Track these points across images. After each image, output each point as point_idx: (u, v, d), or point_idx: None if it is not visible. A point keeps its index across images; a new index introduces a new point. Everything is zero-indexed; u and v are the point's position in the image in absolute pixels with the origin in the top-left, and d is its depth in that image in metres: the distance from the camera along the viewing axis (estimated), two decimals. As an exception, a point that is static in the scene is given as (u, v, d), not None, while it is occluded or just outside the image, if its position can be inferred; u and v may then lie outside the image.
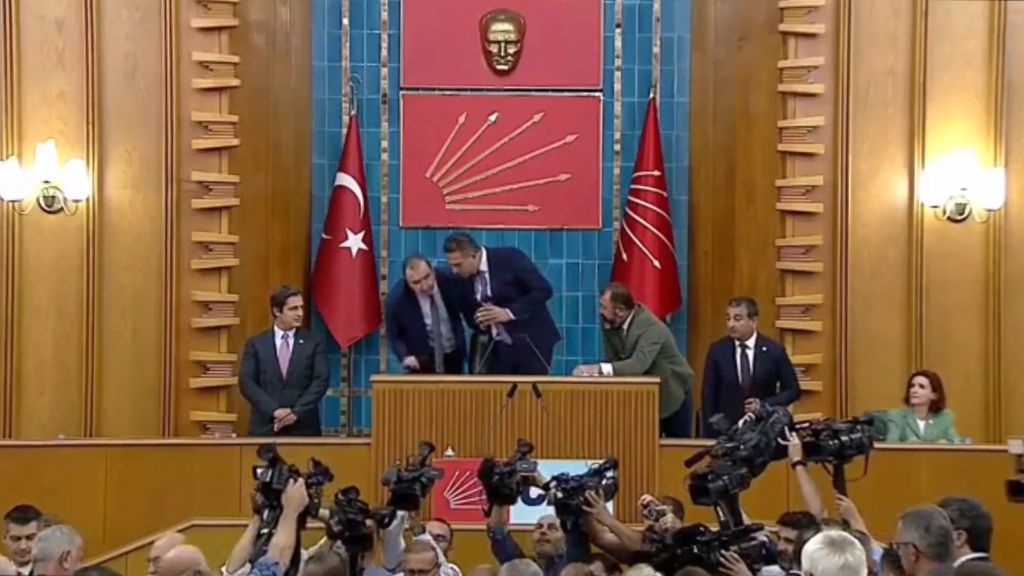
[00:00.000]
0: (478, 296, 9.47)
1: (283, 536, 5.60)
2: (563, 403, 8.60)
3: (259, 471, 5.83)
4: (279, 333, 9.27)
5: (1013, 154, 9.83)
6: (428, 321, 9.57)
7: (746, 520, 5.79)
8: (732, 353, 9.25)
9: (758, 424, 6.08)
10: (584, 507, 6.52)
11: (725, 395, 9.16)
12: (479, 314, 9.34)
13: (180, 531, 7.67)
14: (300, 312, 9.33)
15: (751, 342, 9.23)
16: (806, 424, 6.29)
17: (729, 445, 5.90)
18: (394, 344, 9.75)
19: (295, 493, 5.70)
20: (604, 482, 6.64)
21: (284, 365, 9.20)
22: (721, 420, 6.15)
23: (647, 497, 6.99)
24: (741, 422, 6.20)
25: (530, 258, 10.11)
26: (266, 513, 5.81)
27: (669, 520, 6.54)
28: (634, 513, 7.29)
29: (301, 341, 9.28)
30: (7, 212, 9.56)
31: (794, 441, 6.17)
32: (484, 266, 9.46)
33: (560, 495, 6.54)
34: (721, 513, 5.65)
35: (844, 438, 6.12)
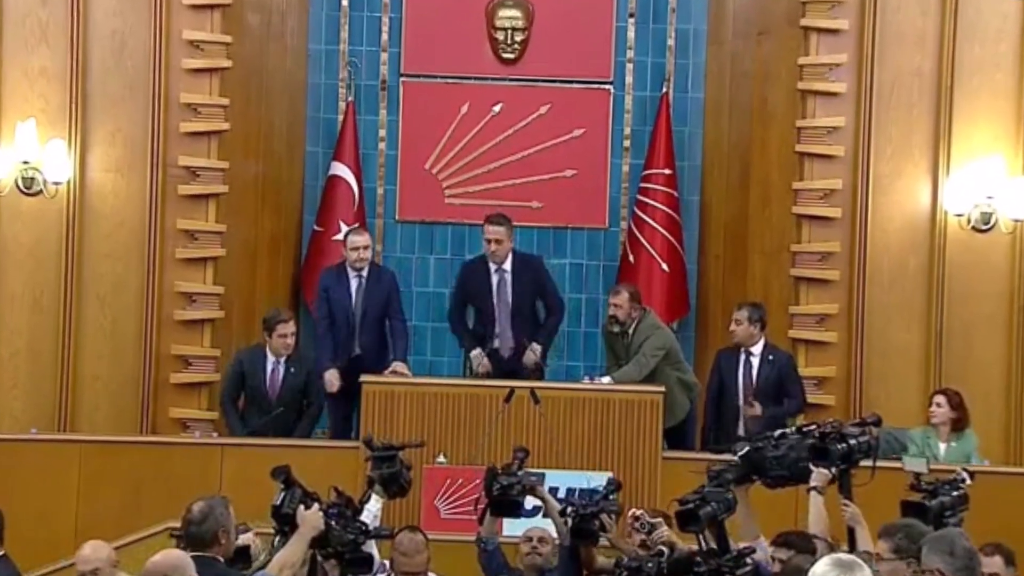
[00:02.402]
0: (494, 292, 9.37)
1: (289, 552, 5.52)
2: (562, 410, 8.59)
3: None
4: (270, 358, 9.13)
5: (1043, 162, 9.84)
6: (353, 302, 9.33)
7: (732, 544, 5.80)
8: (736, 361, 9.26)
9: (801, 438, 6.06)
10: (601, 532, 6.57)
11: (726, 403, 9.18)
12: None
13: (156, 534, 7.67)
14: (290, 340, 9.09)
15: (756, 350, 9.22)
16: (813, 427, 6.27)
17: (764, 442, 5.90)
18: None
19: (312, 515, 5.63)
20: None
21: (272, 392, 9.08)
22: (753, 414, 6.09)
23: (637, 511, 7.01)
24: (778, 433, 6.17)
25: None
26: (276, 540, 5.74)
27: (665, 532, 6.56)
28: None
29: (292, 370, 9.11)
30: (-17, 193, 9.57)
31: (822, 470, 6.15)
32: (508, 265, 9.39)
33: (577, 520, 6.55)
34: (704, 542, 5.65)
35: (852, 442, 6.11)
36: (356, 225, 9.92)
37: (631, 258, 10.46)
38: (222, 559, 5.52)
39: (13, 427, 9.38)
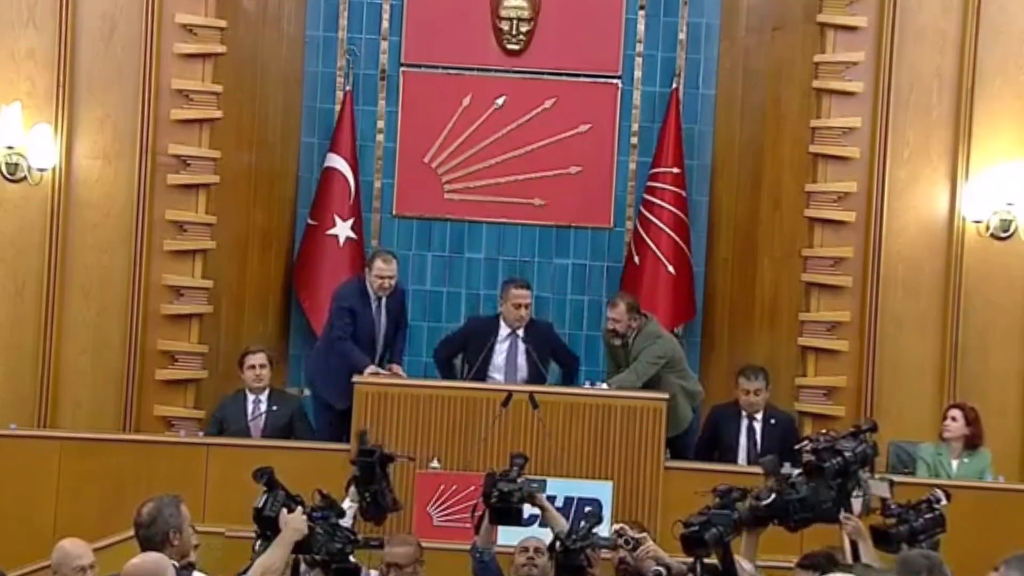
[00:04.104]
0: (499, 358, 9.37)
1: (271, 557, 5.53)
2: (561, 416, 8.60)
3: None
4: (251, 398, 9.14)
5: (1066, 168, 9.84)
6: (375, 323, 9.35)
7: (739, 564, 5.81)
8: (737, 422, 9.26)
9: (821, 477, 6.02)
10: (587, 567, 6.59)
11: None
12: None
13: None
14: (260, 372, 9.09)
15: (759, 414, 9.26)
16: (805, 442, 6.27)
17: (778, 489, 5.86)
18: (350, 347, 9.16)
19: (295, 519, 5.62)
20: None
21: (256, 434, 9.06)
22: (771, 460, 6.09)
23: (617, 525, 7.01)
24: (796, 472, 6.16)
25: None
26: (258, 544, 5.73)
27: (652, 547, 6.57)
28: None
29: (275, 407, 9.11)
30: (-35, 178, 9.57)
31: (849, 519, 6.11)
32: (521, 330, 9.43)
33: (563, 555, 6.55)
34: (701, 565, 5.67)
35: (848, 454, 6.10)
36: (384, 249, 9.79)
37: (636, 259, 10.46)
38: (176, 561, 5.53)
39: (-9, 422, 9.40)
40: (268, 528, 5.64)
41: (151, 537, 5.57)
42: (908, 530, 5.99)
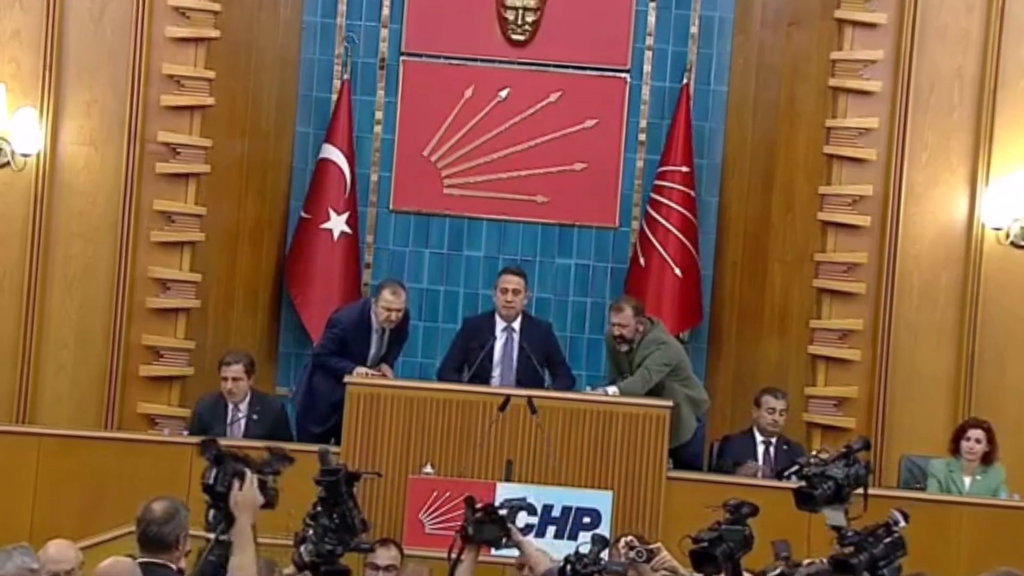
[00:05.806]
0: (499, 354, 9.37)
1: (243, 554, 5.50)
2: (560, 422, 8.59)
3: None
4: (230, 405, 9.12)
5: (1090, 175, 9.85)
6: (372, 352, 9.31)
7: None
8: (751, 447, 9.28)
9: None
10: None
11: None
12: None
13: (118, 537, 7.67)
14: (233, 386, 9.03)
15: (774, 438, 9.30)
16: (796, 468, 6.29)
17: None
18: (325, 360, 9.25)
19: (245, 497, 5.50)
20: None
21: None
22: (782, 544, 6.09)
23: (626, 537, 7.01)
24: (805, 562, 6.19)
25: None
26: (211, 513, 5.63)
27: (667, 558, 6.58)
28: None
29: (255, 416, 9.09)
30: (-54, 163, 9.58)
31: None
32: (517, 324, 9.41)
33: None
34: None
35: (840, 479, 6.12)
36: (394, 280, 9.64)
37: (642, 261, 10.46)
38: (173, 567, 5.51)
39: (-32, 417, 9.41)
40: (220, 500, 5.52)
41: (164, 536, 5.43)
42: (869, 558, 5.99)
